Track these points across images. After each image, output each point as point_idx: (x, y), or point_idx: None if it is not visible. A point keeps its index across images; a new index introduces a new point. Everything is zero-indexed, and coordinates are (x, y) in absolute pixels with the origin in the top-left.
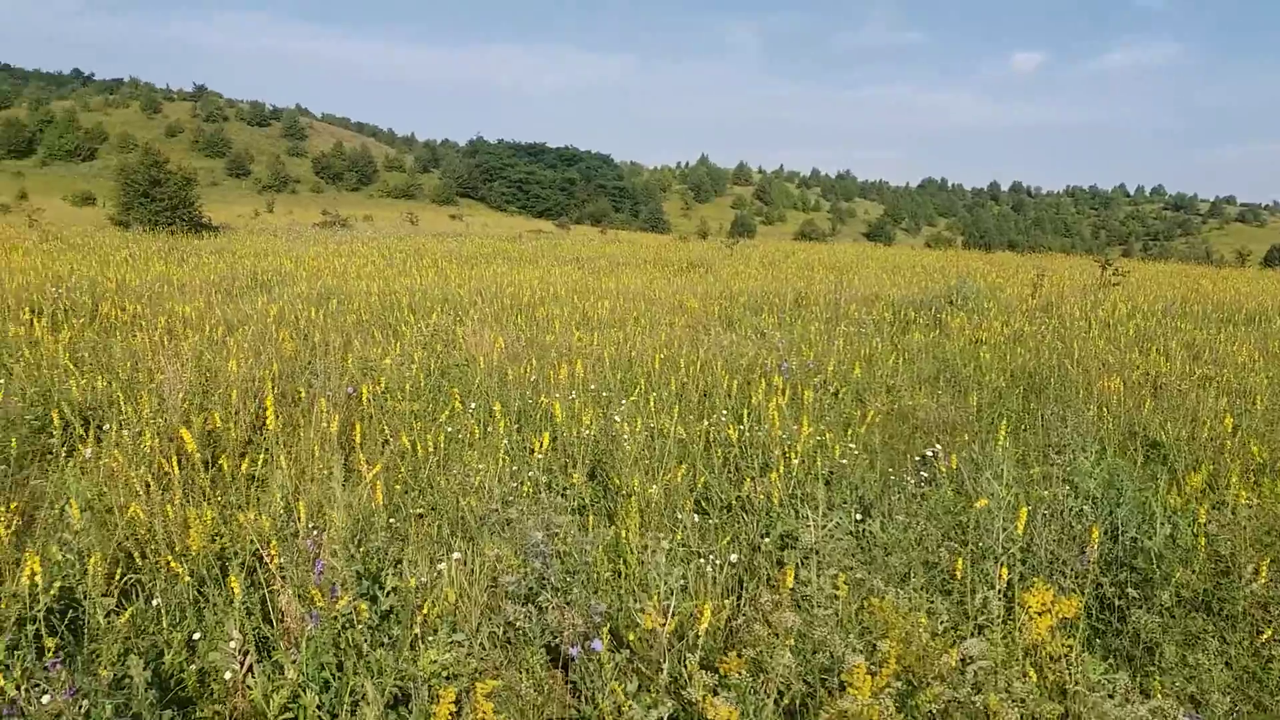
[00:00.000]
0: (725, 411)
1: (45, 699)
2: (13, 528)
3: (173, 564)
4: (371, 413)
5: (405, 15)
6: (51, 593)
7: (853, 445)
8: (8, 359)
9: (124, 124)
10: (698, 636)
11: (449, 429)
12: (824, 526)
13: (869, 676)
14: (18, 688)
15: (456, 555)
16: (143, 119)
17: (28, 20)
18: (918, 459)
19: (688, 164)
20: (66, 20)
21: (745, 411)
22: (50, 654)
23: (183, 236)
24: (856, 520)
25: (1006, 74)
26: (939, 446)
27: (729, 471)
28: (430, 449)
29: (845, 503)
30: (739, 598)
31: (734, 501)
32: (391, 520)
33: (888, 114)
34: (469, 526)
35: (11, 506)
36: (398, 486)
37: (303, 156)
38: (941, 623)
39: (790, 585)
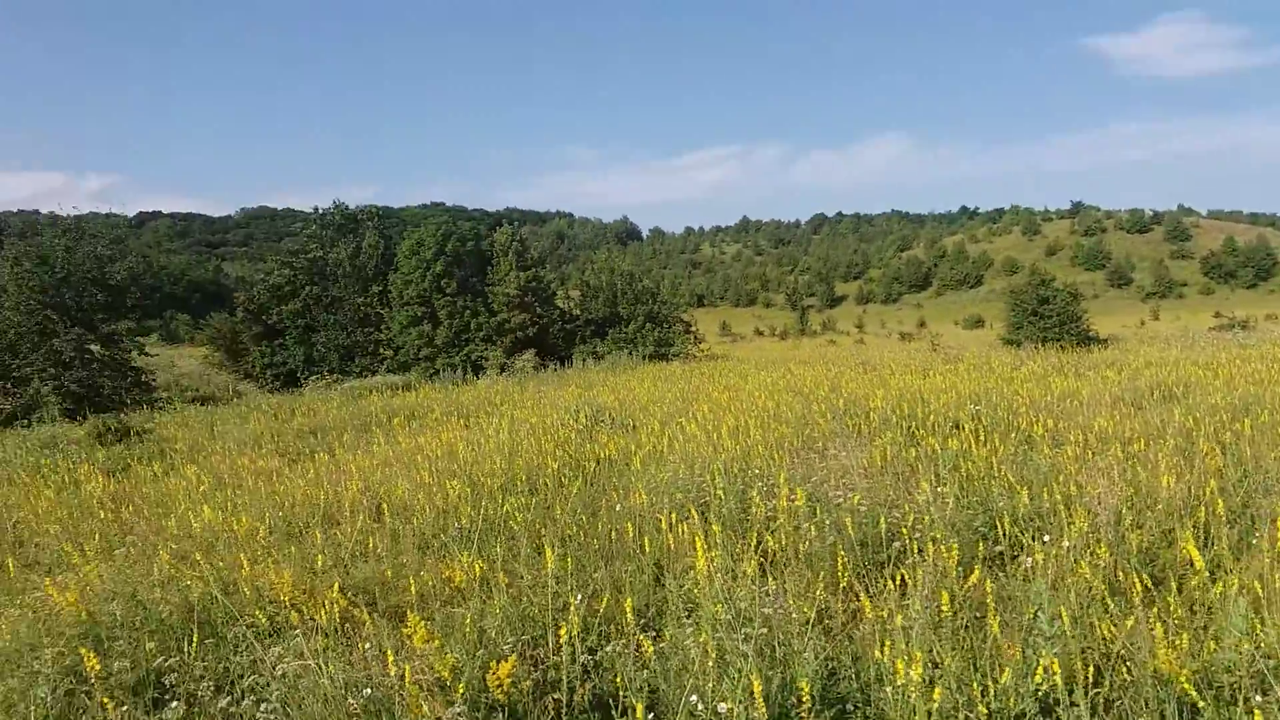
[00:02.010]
0: None
1: None
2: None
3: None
4: None
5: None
6: (1031, 695)
7: None
8: (943, 470)
9: (1006, 249)
10: None
11: None
12: None
13: None
14: None
15: None
16: (1023, 242)
17: (920, 173)
18: None
19: None
20: (948, 165)
21: None
22: None
23: (1071, 351)
24: None
25: None
26: None
27: None
28: None
29: None
30: None
31: None
32: None
33: None
34: None
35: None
36: None
37: (1188, 258)
38: None
39: None
